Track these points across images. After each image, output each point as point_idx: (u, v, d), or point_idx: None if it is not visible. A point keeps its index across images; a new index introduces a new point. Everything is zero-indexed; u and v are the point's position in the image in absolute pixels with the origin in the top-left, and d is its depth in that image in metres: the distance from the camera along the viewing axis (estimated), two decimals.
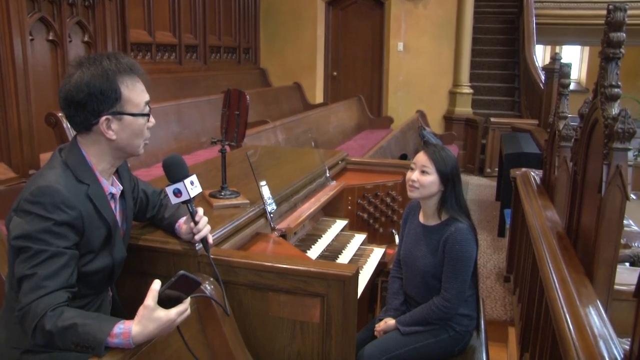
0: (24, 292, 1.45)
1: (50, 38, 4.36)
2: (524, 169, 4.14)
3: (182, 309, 1.45)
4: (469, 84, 8.66)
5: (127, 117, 1.61)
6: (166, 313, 1.41)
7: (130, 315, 1.44)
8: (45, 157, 4.15)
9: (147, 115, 1.67)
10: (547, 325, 2.28)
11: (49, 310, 1.41)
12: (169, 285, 1.42)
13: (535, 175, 3.95)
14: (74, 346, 1.40)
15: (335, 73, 9.25)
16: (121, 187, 1.76)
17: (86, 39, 4.72)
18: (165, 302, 1.43)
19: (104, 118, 1.58)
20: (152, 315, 1.40)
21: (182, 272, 1.42)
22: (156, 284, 1.43)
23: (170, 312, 1.42)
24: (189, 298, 1.49)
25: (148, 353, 1.50)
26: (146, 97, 1.67)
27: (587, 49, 14.64)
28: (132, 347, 1.41)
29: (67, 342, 1.40)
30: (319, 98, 9.10)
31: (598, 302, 1.97)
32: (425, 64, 8.65)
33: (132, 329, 1.39)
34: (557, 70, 6.25)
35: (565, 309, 1.93)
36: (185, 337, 1.56)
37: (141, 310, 1.41)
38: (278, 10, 8.94)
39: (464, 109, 8.61)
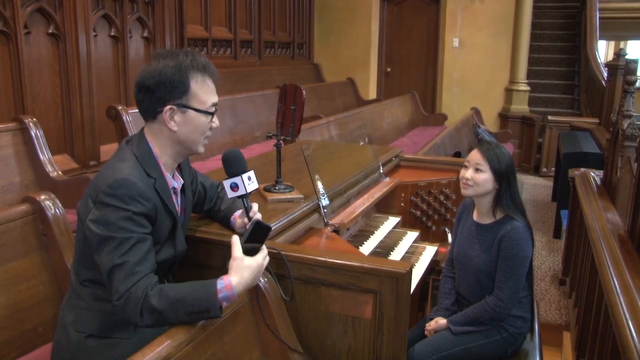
0: (119, 281, 1.49)
1: (112, 34, 4.49)
2: (583, 169, 4.01)
3: (265, 253, 1.64)
4: (526, 80, 8.43)
5: (190, 112, 1.66)
6: (255, 259, 1.58)
7: None
8: (105, 149, 4.29)
9: (212, 114, 1.70)
10: (607, 332, 2.21)
11: (149, 291, 1.48)
12: (247, 235, 1.59)
13: (595, 175, 3.82)
14: (187, 316, 1.48)
15: (389, 69, 9.18)
16: (182, 181, 1.81)
17: (145, 34, 4.84)
18: (245, 253, 1.58)
19: (168, 107, 1.63)
20: (243, 264, 1.55)
21: (256, 219, 1.61)
22: (236, 237, 1.60)
23: (258, 258, 1.59)
24: (264, 244, 1.65)
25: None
26: (214, 98, 1.71)
27: None
28: (235, 298, 1.54)
29: (179, 314, 1.48)
30: (372, 94, 9.05)
31: None
32: (481, 60, 8.47)
33: (231, 280, 1.51)
34: (621, 67, 6.02)
35: (627, 316, 1.86)
36: (239, 329, 1.60)
37: (232, 263, 1.55)
38: (333, 6, 8.92)
39: (521, 106, 8.38)
